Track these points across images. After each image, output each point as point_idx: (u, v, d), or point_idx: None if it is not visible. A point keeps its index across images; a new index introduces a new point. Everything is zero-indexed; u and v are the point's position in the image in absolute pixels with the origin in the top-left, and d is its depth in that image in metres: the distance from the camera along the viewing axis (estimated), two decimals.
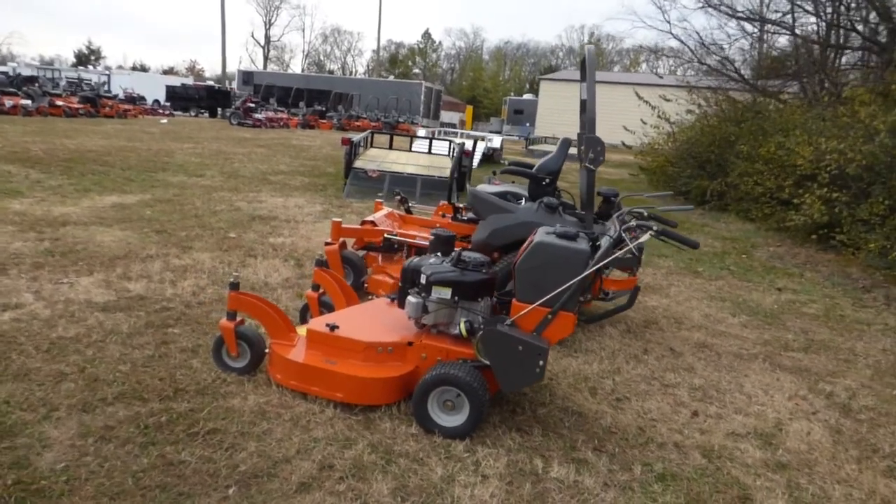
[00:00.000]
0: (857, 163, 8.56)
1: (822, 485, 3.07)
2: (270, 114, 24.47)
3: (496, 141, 18.62)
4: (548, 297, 3.08)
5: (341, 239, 4.88)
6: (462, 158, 10.65)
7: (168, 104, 31.04)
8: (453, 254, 3.46)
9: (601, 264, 3.05)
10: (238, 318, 3.36)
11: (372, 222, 5.11)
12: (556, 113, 36.62)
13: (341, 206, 8.74)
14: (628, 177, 18.15)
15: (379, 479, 2.63)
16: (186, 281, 4.71)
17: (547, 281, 3.10)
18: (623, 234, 3.06)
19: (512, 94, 47.80)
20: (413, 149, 13.97)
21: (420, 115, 32.40)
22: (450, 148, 13.81)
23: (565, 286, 3.05)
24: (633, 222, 3.09)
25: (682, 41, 16.80)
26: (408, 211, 5.85)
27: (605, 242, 3.22)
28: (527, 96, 41.32)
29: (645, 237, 3.02)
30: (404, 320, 3.56)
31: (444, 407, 3.10)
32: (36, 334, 3.52)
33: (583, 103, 5.47)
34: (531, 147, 23.90)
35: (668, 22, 18.29)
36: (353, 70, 66.51)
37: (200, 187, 9.11)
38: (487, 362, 3.16)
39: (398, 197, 5.88)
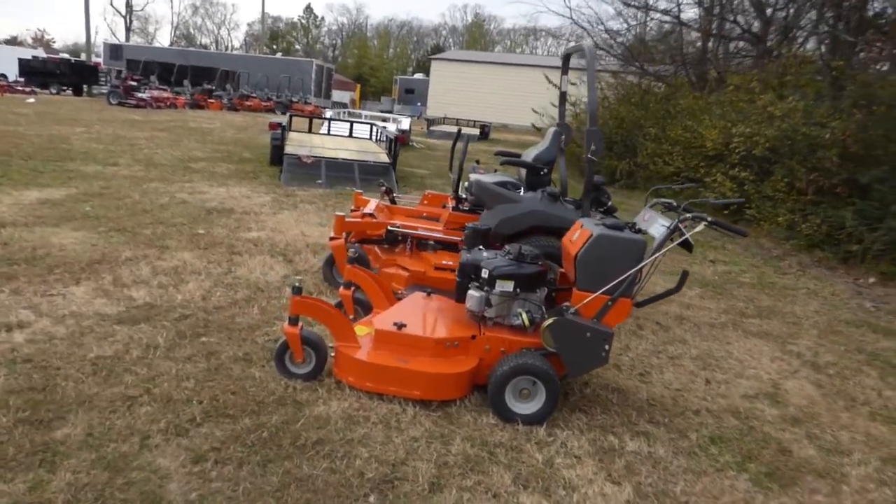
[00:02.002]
0: (761, 145, 9.56)
1: (832, 432, 3.58)
2: (156, 93, 22.72)
3: (405, 123, 18.61)
4: (609, 285, 3.31)
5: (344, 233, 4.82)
6: (396, 144, 10.63)
7: (21, 80, 27.72)
8: (508, 248, 3.59)
9: (660, 254, 3.32)
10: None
11: (371, 215, 5.08)
12: (448, 93, 37.01)
13: (287, 194, 8.48)
14: None
15: (494, 470, 2.76)
16: (188, 285, 4.46)
17: (608, 270, 3.32)
18: (679, 225, 3.33)
19: (398, 72, 47.53)
20: (332, 132, 13.73)
21: (312, 94, 31.45)
22: (371, 131, 13.71)
23: (626, 275, 3.30)
24: (689, 214, 3.37)
25: (581, 26, 17.56)
26: (392, 201, 5.85)
27: (656, 232, 3.49)
28: (417, 76, 41.25)
29: (699, 227, 3.32)
30: (458, 314, 3.66)
31: (521, 396, 3.25)
32: (69, 356, 3.24)
33: (562, 95, 5.72)
34: (432, 128, 24.07)
35: (570, 7, 19.00)
36: (230, 45, 62.91)
37: (125, 178, 8.44)
38: (553, 350, 3.35)
39: (383, 188, 5.85)
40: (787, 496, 2.91)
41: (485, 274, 3.43)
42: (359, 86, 44.14)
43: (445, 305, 3.85)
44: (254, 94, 27.83)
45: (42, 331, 3.50)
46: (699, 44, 17.60)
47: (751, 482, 2.98)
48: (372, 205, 5.40)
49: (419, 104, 38.35)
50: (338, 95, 36.94)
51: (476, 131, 24.46)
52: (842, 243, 8.07)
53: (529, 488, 2.68)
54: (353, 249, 3.99)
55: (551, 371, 3.24)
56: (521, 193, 4.93)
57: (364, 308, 4.01)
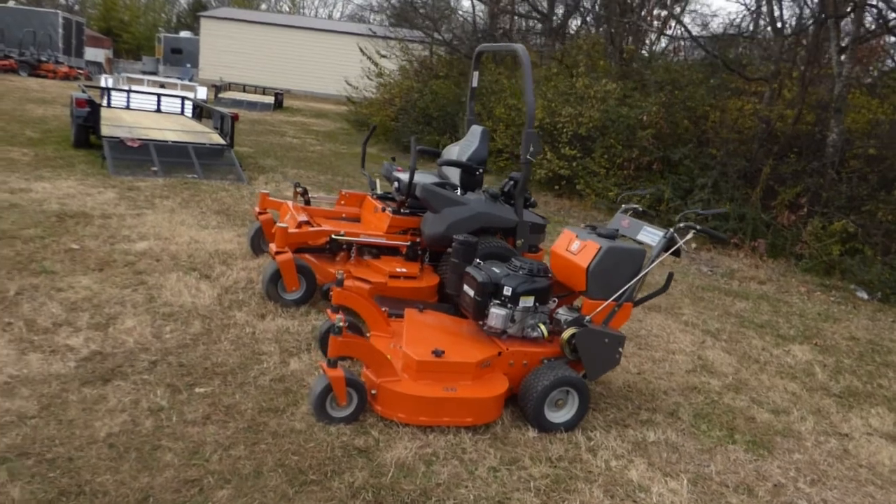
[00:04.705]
0: (585, 125, 10.63)
1: (765, 394, 4.34)
2: None
3: (201, 92, 16.89)
4: (618, 293, 3.59)
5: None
6: (232, 123, 9.67)
7: None
8: (521, 263, 3.64)
9: (658, 260, 3.67)
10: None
11: (307, 222, 4.71)
12: (222, 54, 34.14)
13: (129, 188, 7.31)
14: (340, 130, 18.49)
15: (581, 486, 2.90)
16: (124, 322, 3.74)
17: (616, 279, 3.61)
18: (674, 235, 3.69)
19: (160, 29, 42.35)
20: (132, 106, 11.96)
21: (60, 52, 26.68)
22: (183, 105, 12.28)
23: (632, 281, 3.61)
24: (682, 224, 3.74)
25: None
26: (307, 202, 5.44)
27: (646, 239, 3.83)
28: (185, 34, 37.17)
29: (690, 235, 3.72)
30: (471, 330, 3.66)
31: (556, 406, 3.40)
32: (69, 440, 2.56)
33: (472, 91, 5.82)
34: (221, 96, 22.20)
35: None
36: None
37: None
38: (574, 358, 3.55)
39: (298, 189, 5.39)
40: (777, 458, 3.51)
41: (507, 292, 3.48)
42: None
43: (450, 322, 3.81)
44: None
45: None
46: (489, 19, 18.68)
47: (747, 451, 3.52)
48: (293, 209, 5.00)
49: (189, 66, 34.80)
50: (91, 53, 31.88)
51: (270, 99, 23.14)
52: (663, 214, 9.44)
53: (617, 498, 2.88)
54: (340, 272, 3.70)
55: (582, 379, 3.44)
56: (459, 194, 4.96)
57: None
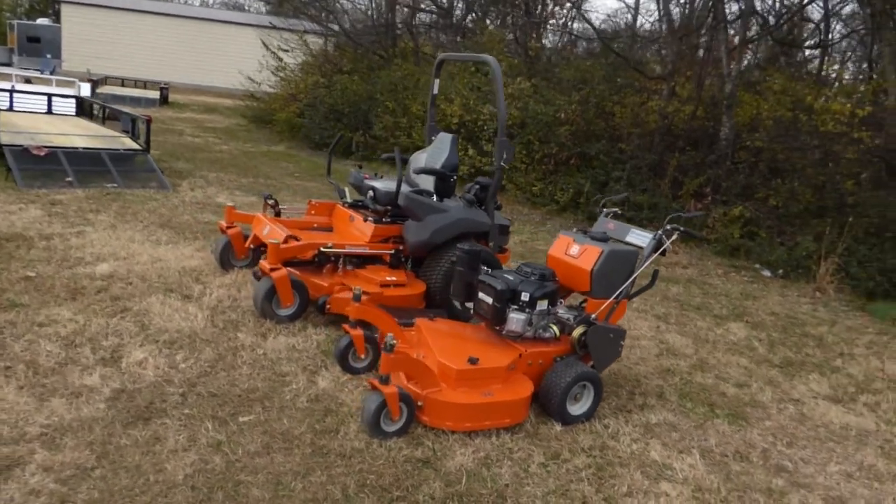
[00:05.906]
0: (508, 122, 11.03)
1: (725, 370, 4.89)
2: None
3: (85, 88, 15.57)
4: (617, 291, 3.94)
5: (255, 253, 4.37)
6: (148, 127, 9.09)
7: None
8: (529, 269, 3.87)
9: (649, 260, 4.04)
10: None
11: (293, 237, 4.65)
12: (89, 43, 31.49)
13: (52, 202, 6.71)
14: (237, 127, 17.79)
15: (621, 471, 3.20)
16: (130, 354, 3.55)
17: (615, 279, 3.95)
18: (662, 236, 4.06)
19: (11, 15, 38.06)
20: (16, 108, 10.89)
21: None
22: (79, 105, 11.36)
23: (629, 280, 3.97)
24: (668, 226, 4.11)
25: None
26: (277, 214, 5.34)
27: (636, 240, 4.18)
28: (42, 21, 33.69)
29: (674, 236, 4.12)
30: (486, 335, 3.86)
31: (574, 400, 3.69)
32: (149, 486, 2.49)
33: (433, 98, 5.97)
34: (98, 91, 20.57)
35: None
36: None
37: None
38: (582, 353, 3.85)
39: (270, 201, 5.27)
40: (754, 426, 4.01)
41: (525, 297, 3.71)
42: None
43: (461, 328, 3.99)
44: None
45: (53, 465, 2.56)
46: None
47: (730, 424, 4.01)
48: (268, 223, 4.92)
49: (49, 56, 31.68)
50: None
51: (156, 94, 21.79)
52: (582, 206, 10.06)
53: (651, 477, 3.21)
54: (357, 288, 3.74)
55: (596, 372, 3.75)
56: (437, 201, 5.10)
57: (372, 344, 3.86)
